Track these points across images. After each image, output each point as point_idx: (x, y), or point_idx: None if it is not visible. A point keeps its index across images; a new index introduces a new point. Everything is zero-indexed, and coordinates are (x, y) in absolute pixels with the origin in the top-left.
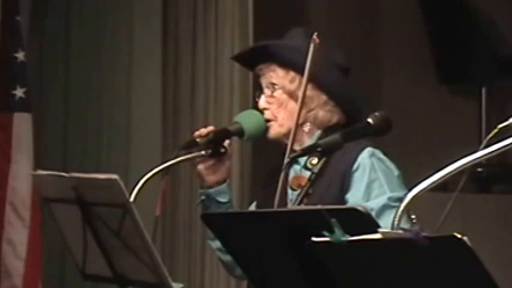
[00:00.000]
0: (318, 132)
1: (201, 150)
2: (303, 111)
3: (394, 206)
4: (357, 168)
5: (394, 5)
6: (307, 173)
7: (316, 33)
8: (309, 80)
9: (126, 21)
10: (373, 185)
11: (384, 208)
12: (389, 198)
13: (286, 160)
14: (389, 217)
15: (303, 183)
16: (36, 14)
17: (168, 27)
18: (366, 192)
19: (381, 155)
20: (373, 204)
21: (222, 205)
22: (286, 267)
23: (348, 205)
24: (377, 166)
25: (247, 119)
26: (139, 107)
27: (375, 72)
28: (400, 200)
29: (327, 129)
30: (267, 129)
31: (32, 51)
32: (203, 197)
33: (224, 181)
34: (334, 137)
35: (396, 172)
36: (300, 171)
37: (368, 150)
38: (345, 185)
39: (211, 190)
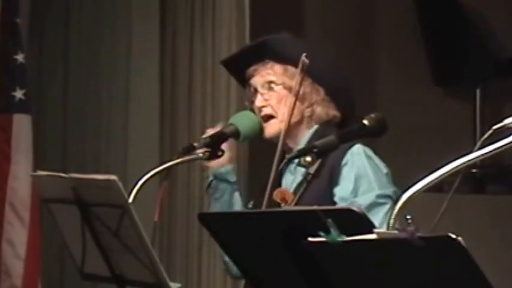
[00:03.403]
0: (315, 127)
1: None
2: (301, 108)
3: (382, 203)
4: (346, 163)
5: (389, 6)
6: (291, 190)
7: (305, 54)
8: (297, 97)
9: (125, 24)
10: (361, 180)
11: (372, 205)
12: (378, 196)
13: (284, 161)
14: (378, 214)
15: (286, 197)
16: (35, 16)
17: (166, 30)
18: (354, 188)
19: (370, 153)
20: (361, 200)
21: (230, 185)
22: (282, 267)
23: (342, 205)
24: (366, 162)
25: (241, 120)
26: (138, 108)
27: (370, 73)
28: (388, 197)
29: (324, 124)
30: (262, 128)
31: (32, 53)
32: (211, 178)
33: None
34: (330, 138)
35: (385, 170)
36: (294, 170)
37: (357, 146)
38: (333, 179)
39: (221, 169)
